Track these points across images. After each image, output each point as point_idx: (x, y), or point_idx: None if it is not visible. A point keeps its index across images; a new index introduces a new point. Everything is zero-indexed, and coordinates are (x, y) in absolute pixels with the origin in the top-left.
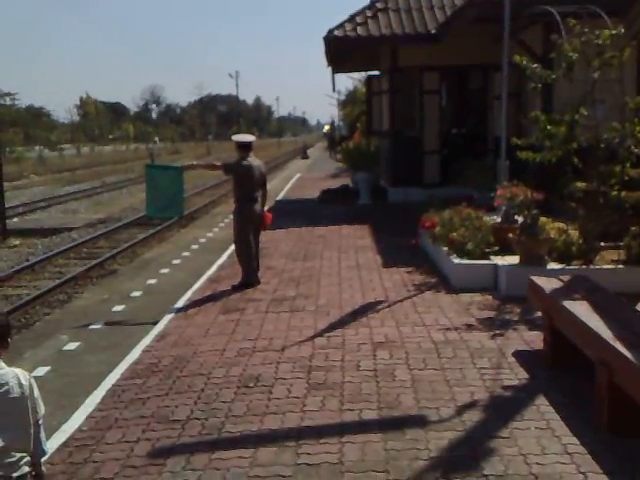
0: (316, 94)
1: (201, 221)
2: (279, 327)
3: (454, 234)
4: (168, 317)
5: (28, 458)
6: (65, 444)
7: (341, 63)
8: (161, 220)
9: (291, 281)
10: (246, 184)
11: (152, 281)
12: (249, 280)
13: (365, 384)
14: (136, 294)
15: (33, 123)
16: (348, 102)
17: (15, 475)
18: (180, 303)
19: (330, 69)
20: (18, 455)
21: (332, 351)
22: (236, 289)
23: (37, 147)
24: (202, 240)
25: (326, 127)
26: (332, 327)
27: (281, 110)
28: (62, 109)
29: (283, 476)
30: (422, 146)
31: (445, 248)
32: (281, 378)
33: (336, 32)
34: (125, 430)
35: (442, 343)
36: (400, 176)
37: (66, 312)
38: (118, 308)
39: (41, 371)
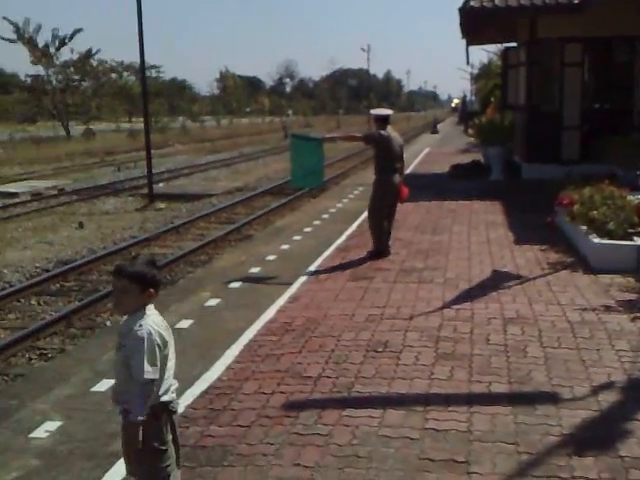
0: (448, 68)
1: (331, 192)
2: (407, 297)
3: (594, 213)
4: (300, 281)
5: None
6: (206, 392)
7: (476, 35)
8: (294, 190)
9: (419, 253)
10: (387, 155)
11: (285, 246)
12: (380, 250)
13: (495, 358)
14: (271, 258)
15: (177, 95)
16: (482, 76)
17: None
18: (311, 268)
19: (464, 41)
20: (174, 380)
21: (460, 323)
22: (371, 256)
23: (180, 118)
24: (332, 210)
25: (455, 101)
26: (461, 300)
27: (411, 84)
28: (203, 82)
29: (411, 438)
30: (561, 121)
31: (584, 227)
32: (409, 346)
33: (472, 3)
34: (261, 382)
35: (578, 323)
36: (536, 152)
37: (207, 271)
38: (254, 270)
39: (185, 324)
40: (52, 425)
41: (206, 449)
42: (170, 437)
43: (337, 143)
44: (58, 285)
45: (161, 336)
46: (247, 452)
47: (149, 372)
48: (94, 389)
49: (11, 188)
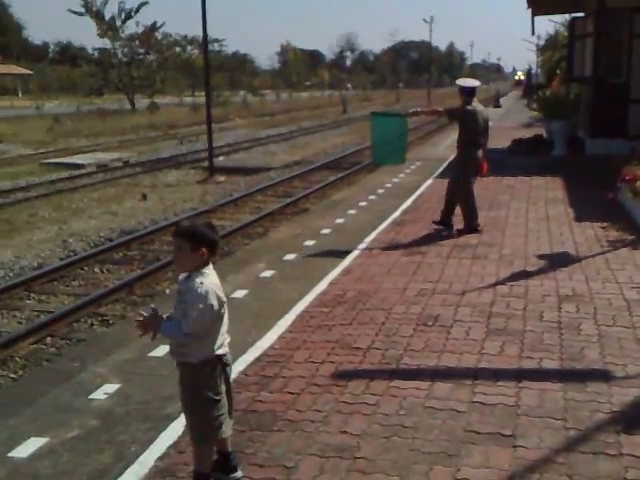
0: (513, 39)
1: (388, 167)
2: (460, 272)
3: None
4: (354, 254)
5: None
6: (258, 359)
7: (542, 5)
8: (351, 164)
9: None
10: (471, 131)
11: (340, 220)
12: (472, 225)
13: (547, 334)
14: (325, 231)
15: (238, 69)
16: (548, 47)
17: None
18: (365, 242)
19: (530, 11)
20: (227, 337)
21: (514, 300)
22: (460, 233)
23: (241, 92)
24: (388, 185)
25: (519, 74)
26: (515, 276)
27: (475, 57)
28: (264, 56)
29: (458, 411)
30: (628, 94)
31: None
32: (460, 320)
33: None
34: (312, 352)
35: (635, 301)
36: (601, 126)
37: (263, 243)
38: (309, 243)
39: (240, 294)
40: (111, 387)
41: (257, 414)
42: (224, 388)
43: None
44: (121, 254)
45: (218, 296)
46: (296, 418)
47: (192, 326)
48: (151, 354)
49: (78, 159)
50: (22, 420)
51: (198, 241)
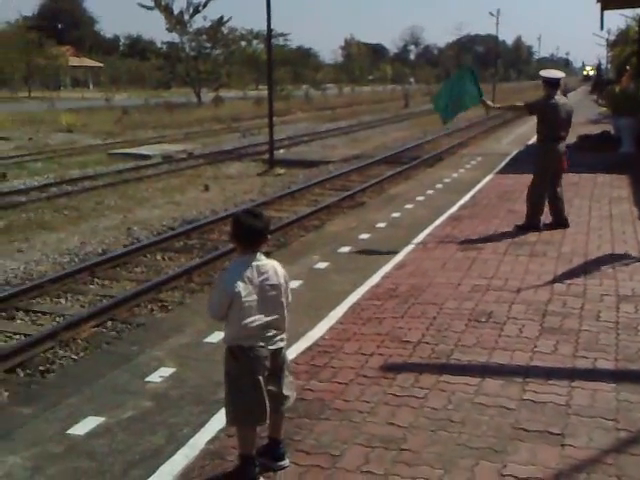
0: (582, 34)
1: (448, 162)
2: (516, 269)
3: None
4: (408, 249)
5: (284, 336)
6: (309, 349)
7: None
8: (410, 159)
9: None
10: (552, 124)
11: (396, 214)
12: (532, 223)
13: (604, 334)
14: (381, 225)
15: (302, 63)
16: (618, 42)
17: (271, 348)
18: (420, 237)
19: (599, 5)
20: (274, 332)
21: (571, 299)
22: (518, 229)
23: (304, 86)
24: (447, 180)
25: (587, 68)
26: (574, 275)
27: (542, 51)
28: (328, 50)
29: (507, 408)
30: None
31: None
32: (513, 318)
33: None
34: (362, 344)
35: None
36: None
37: (319, 236)
38: (364, 236)
39: (294, 284)
40: (166, 371)
41: (305, 402)
42: (255, 384)
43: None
44: (182, 243)
45: (243, 285)
46: (343, 408)
47: (209, 307)
48: (207, 340)
49: (144, 150)
50: (81, 399)
51: (233, 228)
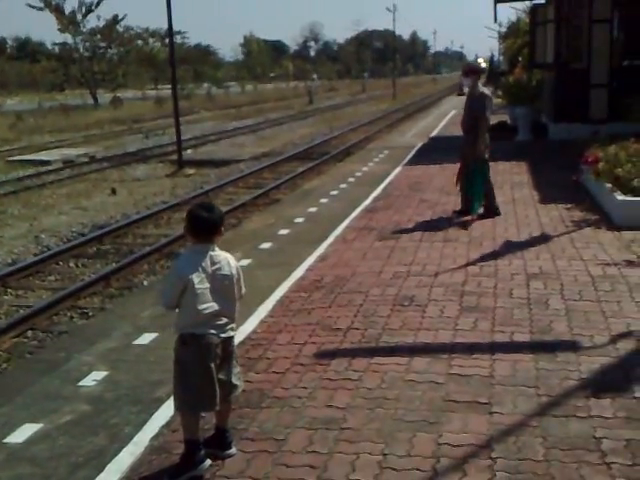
0: (475, 27)
1: (356, 156)
2: (432, 255)
3: (619, 170)
4: (328, 241)
5: (233, 325)
6: (242, 342)
7: None
8: (320, 154)
9: (445, 213)
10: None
11: (312, 209)
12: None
13: (517, 310)
14: (299, 220)
15: (201, 61)
16: (510, 34)
17: (223, 336)
18: (339, 230)
19: None
20: (225, 320)
21: (485, 279)
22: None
23: (205, 84)
24: (358, 174)
25: (480, 61)
26: (485, 257)
27: (438, 45)
28: (227, 48)
29: (437, 383)
30: (588, 79)
31: (609, 185)
32: (434, 300)
33: None
34: (293, 334)
35: (600, 277)
36: (563, 111)
37: (237, 234)
38: (283, 232)
39: None
40: (98, 375)
41: (245, 393)
42: (205, 371)
43: (359, 107)
44: (95, 248)
45: (196, 272)
46: (283, 395)
47: (161, 294)
48: (136, 342)
49: (43, 156)
50: (13, 408)
51: (188, 222)
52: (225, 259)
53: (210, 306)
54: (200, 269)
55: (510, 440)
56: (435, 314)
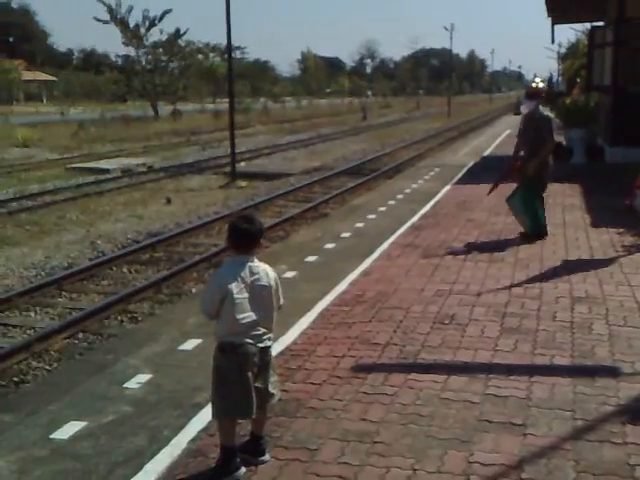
0: (534, 47)
1: (407, 173)
2: (476, 274)
3: None
4: (373, 257)
5: (271, 335)
6: (282, 353)
7: (562, 13)
8: (370, 170)
9: (492, 233)
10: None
11: (360, 225)
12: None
13: (560, 333)
14: (345, 235)
15: (259, 76)
16: (569, 55)
17: (260, 345)
18: (384, 246)
19: (550, 20)
20: (262, 330)
21: (528, 301)
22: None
23: (262, 99)
24: (407, 191)
25: (537, 80)
26: (530, 279)
27: (495, 64)
28: (285, 63)
29: (472, 402)
30: None
31: None
32: (475, 319)
33: None
34: (333, 347)
35: None
36: (621, 134)
37: (285, 246)
38: (330, 246)
39: None
40: (143, 377)
41: (281, 402)
42: (243, 379)
43: (413, 124)
44: (148, 255)
45: (235, 282)
46: (318, 406)
47: (201, 303)
48: (181, 347)
49: (103, 165)
50: (61, 406)
51: (229, 233)
52: (264, 270)
53: (248, 315)
54: (239, 279)
55: (542, 462)
56: (475, 334)
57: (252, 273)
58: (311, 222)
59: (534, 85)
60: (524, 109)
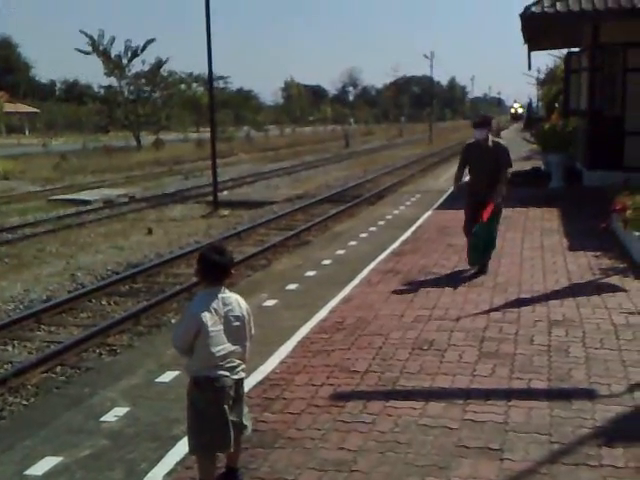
0: (513, 73)
1: (388, 199)
2: (456, 299)
3: None
4: (353, 283)
5: (244, 366)
6: (261, 382)
7: (538, 41)
8: (352, 197)
9: None
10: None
11: (341, 252)
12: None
13: (537, 357)
14: (326, 262)
15: (242, 105)
16: (547, 81)
17: (235, 377)
18: (365, 272)
19: (526, 47)
20: (237, 362)
21: (506, 325)
22: None
23: (245, 127)
24: (388, 217)
25: (516, 106)
26: (509, 303)
27: (476, 91)
28: (268, 92)
29: (450, 428)
30: (623, 126)
31: (637, 233)
32: (454, 344)
33: (534, 8)
34: (312, 375)
35: (623, 326)
36: (598, 158)
37: (266, 274)
38: (310, 273)
39: None
40: (120, 410)
41: (259, 432)
42: (220, 413)
43: (395, 151)
44: (127, 287)
45: (209, 315)
46: (296, 436)
47: (174, 338)
48: (158, 380)
49: (84, 196)
50: (36, 441)
51: (199, 265)
52: (236, 300)
53: (223, 348)
54: (213, 311)
55: None
56: (454, 359)
57: (225, 304)
58: (293, 250)
59: (481, 114)
60: (476, 137)
